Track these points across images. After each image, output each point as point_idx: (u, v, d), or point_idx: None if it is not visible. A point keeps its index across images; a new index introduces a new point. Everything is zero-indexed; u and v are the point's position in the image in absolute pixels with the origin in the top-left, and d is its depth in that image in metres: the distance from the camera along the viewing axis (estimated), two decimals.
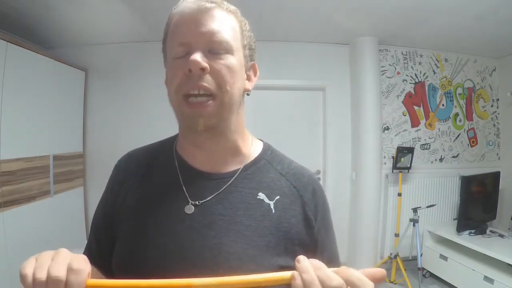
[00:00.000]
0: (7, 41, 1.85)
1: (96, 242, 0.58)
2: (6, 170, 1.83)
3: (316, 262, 0.37)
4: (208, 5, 0.49)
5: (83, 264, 0.38)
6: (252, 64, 0.58)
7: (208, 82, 0.47)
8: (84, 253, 0.59)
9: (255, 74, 0.59)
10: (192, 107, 0.48)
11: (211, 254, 0.47)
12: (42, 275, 0.35)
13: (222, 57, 0.49)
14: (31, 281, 0.35)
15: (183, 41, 0.49)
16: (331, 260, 0.58)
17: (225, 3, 0.52)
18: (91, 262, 0.56)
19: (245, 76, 0.55)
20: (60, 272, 0.36)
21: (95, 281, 0.38)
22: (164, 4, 2.15)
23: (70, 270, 0.36)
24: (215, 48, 0.48)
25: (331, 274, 0.35)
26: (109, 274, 0.55)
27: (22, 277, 0.36)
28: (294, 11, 2.32)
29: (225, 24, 0.50)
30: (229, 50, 0.49)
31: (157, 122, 2.66)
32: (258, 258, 0.48)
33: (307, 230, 0.53)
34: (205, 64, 0.47)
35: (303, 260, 0.37)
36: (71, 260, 0.37)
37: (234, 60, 0.50)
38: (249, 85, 0.56)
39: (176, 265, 0.47)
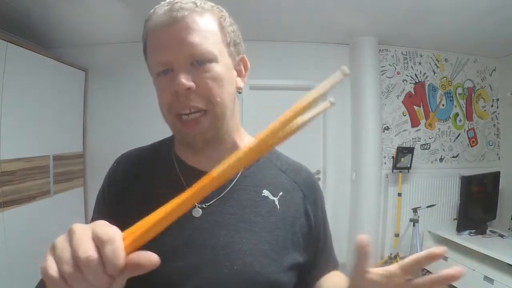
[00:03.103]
0: (7, 41, 1.85)
1: None
2: (6, 170, 1.83)
3: None
4: (180, 14, 0.46)
5: (109, 229, 0.30)
6: (241, 57, 0.56)
7: (196, 101, 0.47)
8: None
9: (246, 68, 0.57)
10: (186, 126, 0.48)
11: (225, 252, 0.48)
12: (68, 268, 0.27)
13: (206, 68, 0.47)
14: (62, 281, 0.27)
15: (163, 61, 0.47)
16: (330, 250, 0.62)
17: (198, 3, 0.48)
18: None
19: (235, 74, 0.54)
20: (88, 250, 0.27)
21: (132, 238, 0.31)
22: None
23: (99, 242, 0.28)
24: (197, 61, 0.47)
25: None
26: None
27: (50, 282, 0.27)
28: (294, 11, 2.32)
29: (203, 31, 0.47)
30: (212, 59, 0.48)
31: (157, 122, 2.64)
32: (270, 253, 0.50)
33: (308, 223, 0.56)
34: (189, 83, 0.46)
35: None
36: (93, 231, 0.29)
37: (220, 67, 0.48)
38: (240, 82, 0.55)
39: (189, 264, 0.48)
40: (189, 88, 0.46)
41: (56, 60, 2.37)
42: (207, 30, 0.48)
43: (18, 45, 1.94)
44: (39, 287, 1.87)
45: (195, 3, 0.48)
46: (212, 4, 0.52)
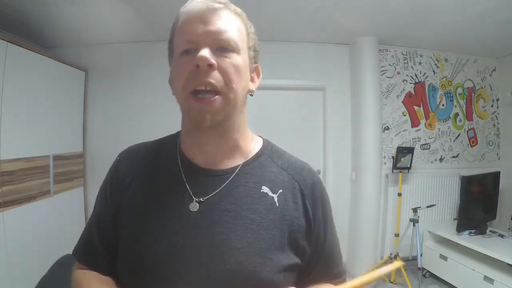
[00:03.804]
0: (7, 41, 1.84)
1: (100, 242, 0.56)
2: (6, 170, 1.83)
3: None
4: (217, 5, 0.50)
5: None
6: (256, 66, 0.59)
7: (214, 79, 0.48)
8: (83, 258, 0.58)
9: (258, 76, 0.60)
10: (199, 102, 0.49)
11: (219, 251, 0.48)
12: None
13: (229, 56, 0.50)
14: None
15: (190, 39, 0.49)
16: (331, 253, 0.59)
17: (232, 5, 0.54)
18: (95, 267, 0.55)
19: (249, 77, 0.56)
20: None
21: None
22: (164, 3, 2.15)
23: None
24: (222, 47, 0.50)
25: None
26: (113, 276, 0.54)
27: None
28: (294, 11, 2.32)
29: (232, 24, 0.51)
30: (235, 49, 0.51)
31: (157, 122, 2.65)
32: (265, 252, 0.49)
33: (307, 223, 0.54)
34: (212, 60, 0.48)
35: None
36: None
37: (240, 59, 0.51)
38: (252, 86, 0.58)
39: (184, 263, 0.48)
40: (211, 65, 0.48)
41: (56, 60, 2.37)
42: (236, 25, 0.52)
43: (18, 45, 1.93)
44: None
45: (230, 4, 0.54)
46: (242, 11, 0.56)
